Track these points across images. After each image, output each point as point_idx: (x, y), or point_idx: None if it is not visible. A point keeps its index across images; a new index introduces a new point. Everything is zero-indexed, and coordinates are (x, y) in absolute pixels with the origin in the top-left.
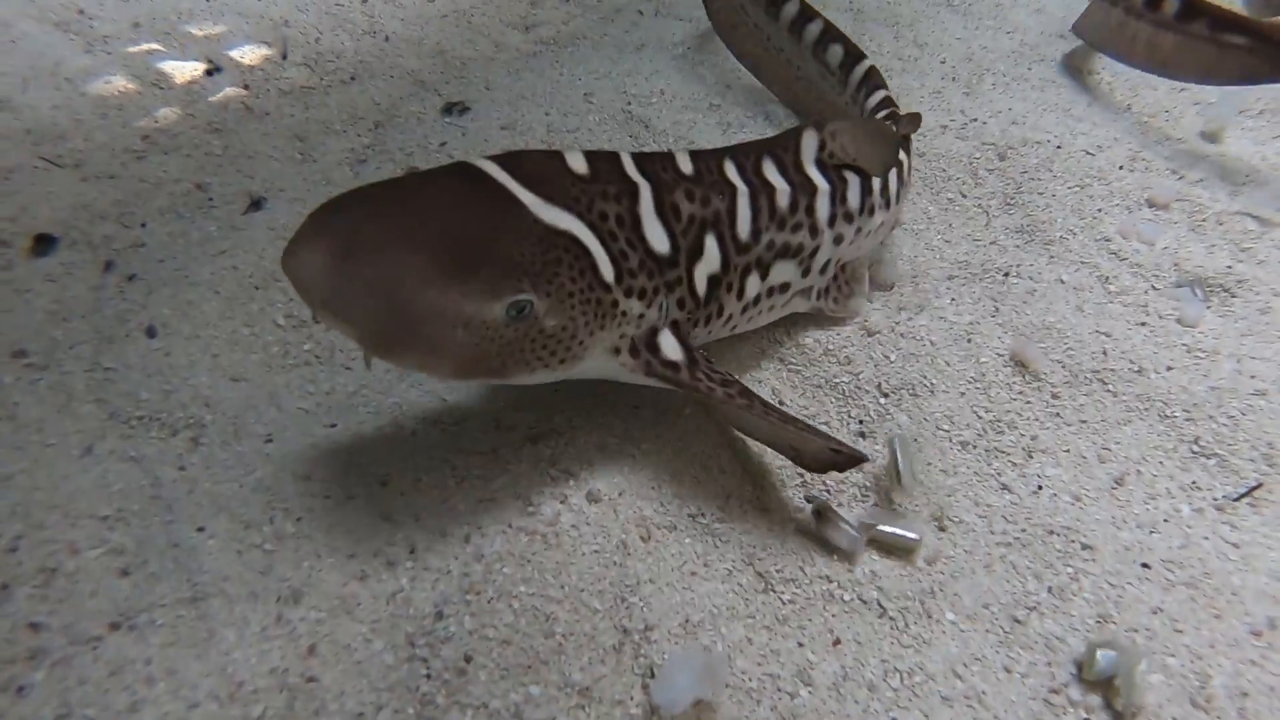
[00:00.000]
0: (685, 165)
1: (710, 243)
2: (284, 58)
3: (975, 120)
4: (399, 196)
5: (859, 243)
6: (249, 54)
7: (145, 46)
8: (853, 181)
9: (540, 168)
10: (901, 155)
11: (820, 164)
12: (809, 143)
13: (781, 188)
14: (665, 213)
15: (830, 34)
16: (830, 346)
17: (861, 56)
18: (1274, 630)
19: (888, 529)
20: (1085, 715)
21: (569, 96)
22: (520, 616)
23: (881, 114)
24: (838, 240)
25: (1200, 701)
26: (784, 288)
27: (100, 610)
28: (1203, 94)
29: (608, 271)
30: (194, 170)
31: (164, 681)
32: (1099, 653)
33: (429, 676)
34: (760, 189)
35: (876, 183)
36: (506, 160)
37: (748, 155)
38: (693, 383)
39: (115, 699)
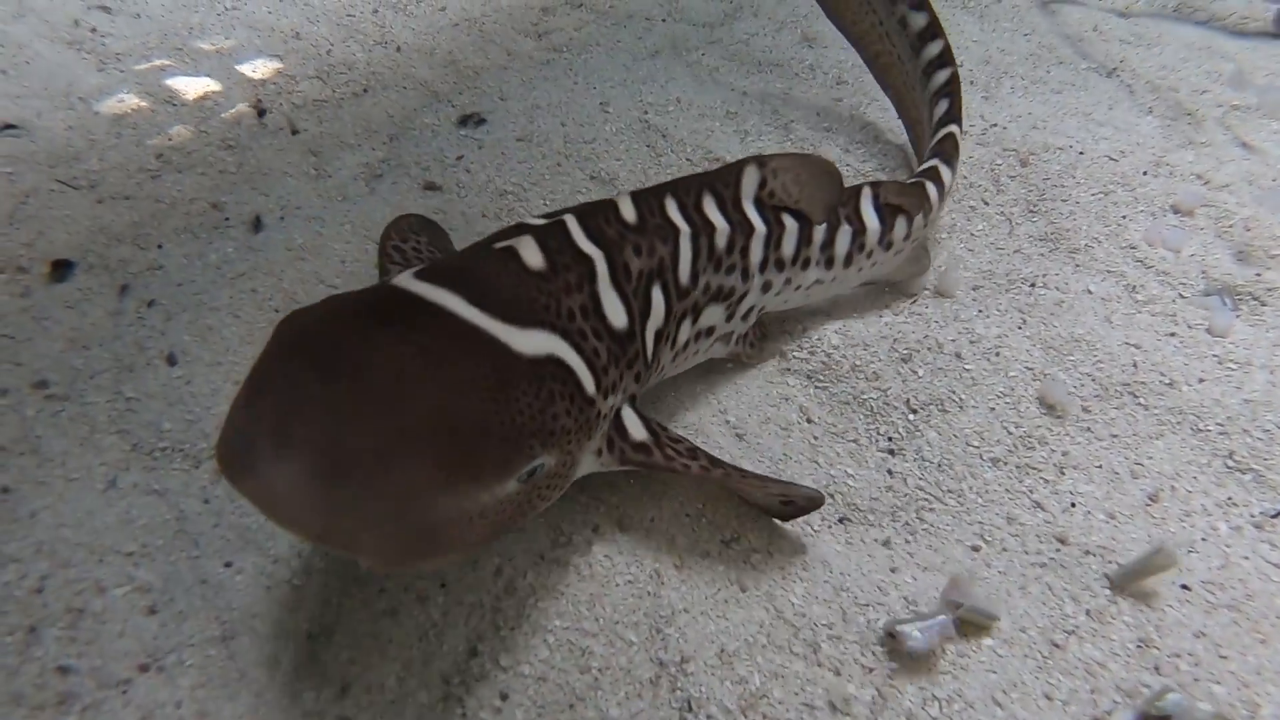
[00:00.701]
0: (629, 212)
1: (657, 295)
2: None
3: (995, 125)
4: (352, 368)
5: (786, 295)
6: (260, 68)
7: (157, 63)
8: (790, 227)
9: (495, 279)
10: (929, 187)
11: (759, 203)
12: (749, 180)
13: (721, 227)
14: (620, 281)
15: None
16: (857, 362)
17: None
18: None
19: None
20: None
21: (584, 106)
22: (555, 651)
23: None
24: (765, 288)
25: None
26: (709, 332)
27: (129, 651)
28: (1227, 97)
29: (589, 383)
30: (209, 189)
31: None
32: (1170, 696)
33: (464, 715)
34: (701, 228)
35: (819, 232)
36: (452, 277)
37: (689, 192)
38: (666, 463)
39: None
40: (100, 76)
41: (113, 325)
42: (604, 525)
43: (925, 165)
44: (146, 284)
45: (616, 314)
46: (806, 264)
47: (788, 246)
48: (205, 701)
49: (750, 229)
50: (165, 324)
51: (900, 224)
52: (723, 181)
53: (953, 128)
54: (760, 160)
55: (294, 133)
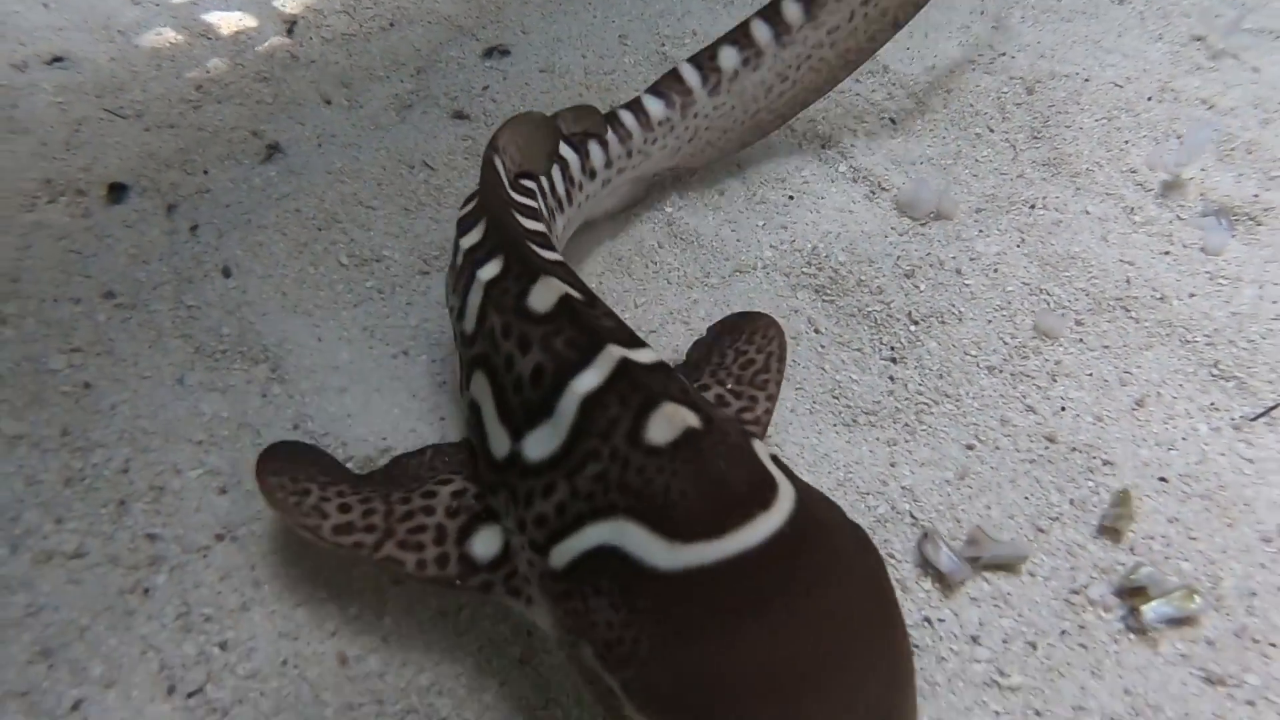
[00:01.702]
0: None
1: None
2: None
3: (1004, 55)
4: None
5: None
6: (290, 3)
7: None
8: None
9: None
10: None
11: (513, 184)
12: (501, 170)
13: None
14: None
15: None
16: (863, 278)
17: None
18: None
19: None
20: (1101, 614)
21: (604, 39)
22: None
23: None
24: None
25: (1212, 601)
26: None
27: (205, 523)
28: (1239, 21)
29: None
30: (248, 119)
31: (268, 585)
32: (1143, 570)
33: None
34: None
35: (546, 181)
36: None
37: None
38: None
39: (227, 599)
40: (136, 10)
41: (169, 242)
42: None
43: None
44: (196, 206)
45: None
46: (553, 215)
47: (542, 209)
48: (276, 565)
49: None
50: (218, 241)
51: (595, 149)
52: (498, 192)
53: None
54: (492, 146)
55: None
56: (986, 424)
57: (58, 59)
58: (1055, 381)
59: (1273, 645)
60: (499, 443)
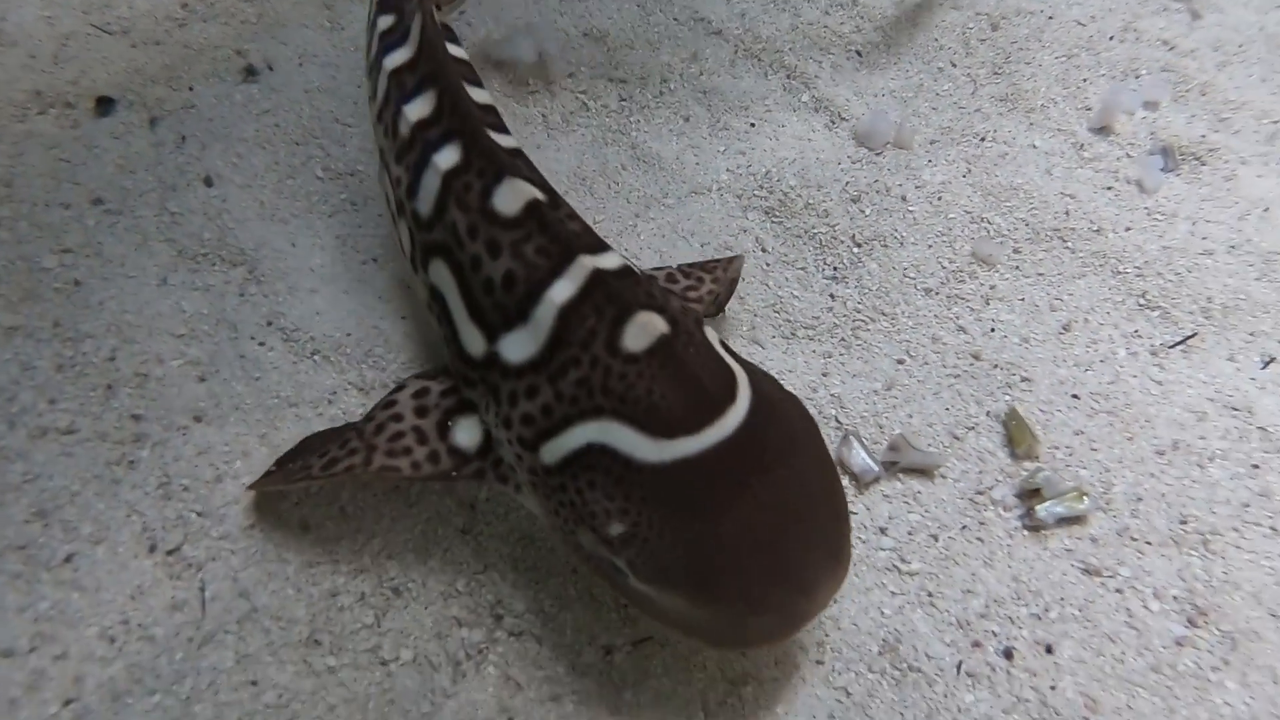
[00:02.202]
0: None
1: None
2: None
3: None
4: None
5: None
6: None
7: None
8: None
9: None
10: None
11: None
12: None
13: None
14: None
15: None
16: (811, 201)
17: None
18: (1175, 451)
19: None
20: (1001, 512)
21: None
22: None
23: None
24: None
25: (1102, 504)
26: None
27: (185, 407)
28: None
29: None
30: (233, 37)
31: (240, 459)
32: (1042, 474)
33: None
34: None
35: None
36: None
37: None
38: None
39: (203, 471)
40: None
41: (155, 153)
42: None
43: None
44: (181, 119)
45: None
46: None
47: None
48: (247, 444)
49: None
50: (201, 152)
51: None
52: (445, 58)
53: None
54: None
55: None
56: (918, 341)
57: None
58: (988, 304)
59: (1149, 543)
60: (473, 341)
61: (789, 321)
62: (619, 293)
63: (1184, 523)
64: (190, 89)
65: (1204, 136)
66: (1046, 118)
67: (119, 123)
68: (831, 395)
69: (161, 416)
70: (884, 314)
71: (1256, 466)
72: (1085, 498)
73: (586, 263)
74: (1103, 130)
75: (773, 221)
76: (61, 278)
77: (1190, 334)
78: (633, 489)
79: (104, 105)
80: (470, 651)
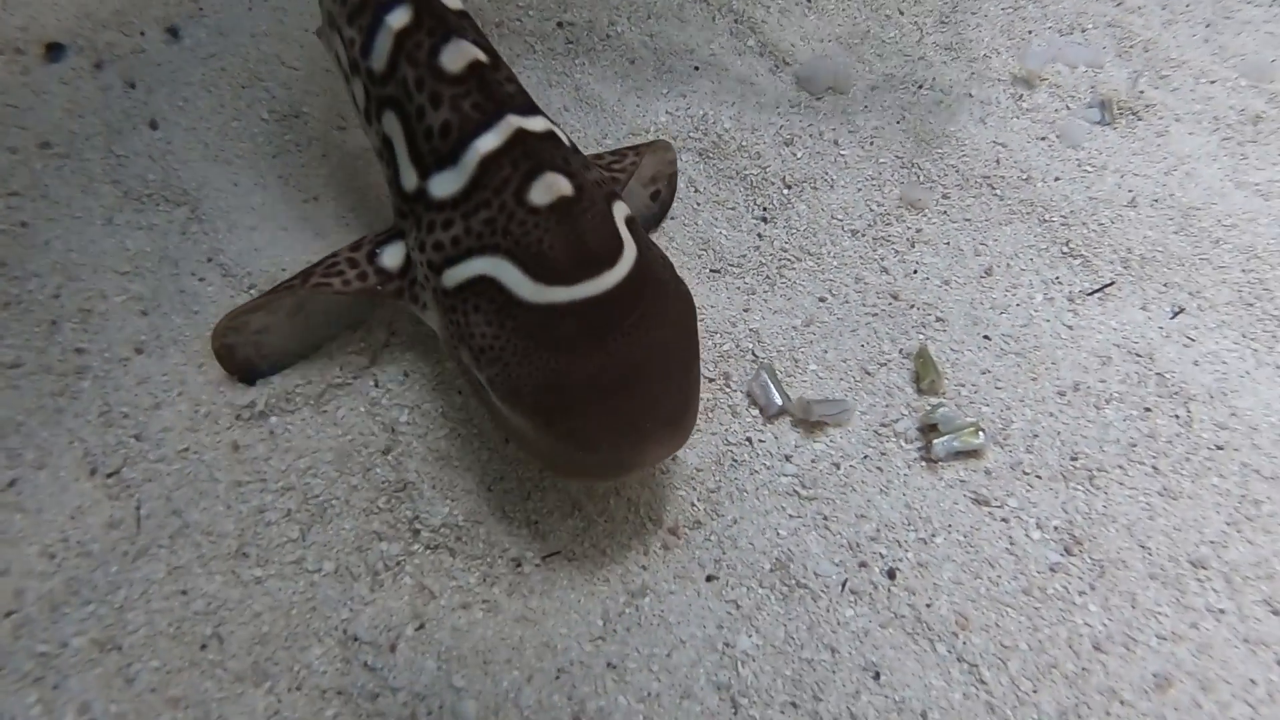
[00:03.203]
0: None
1: None
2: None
3: None
4: (621, 335)
5: None
6: None
7: None
8: None
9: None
10: None
11: None
12: None
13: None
14: None
15: None
16: (744, 143)
17: None
18: (1076, 392)
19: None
20: (902, 444)
21: None
22: None
23: None
24: None
25: (999, 439)
26: None
27: (127, 339)
28: None
29: None
30: None
31: (177, 388)
32: (940, 410)
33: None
34: None
35: None
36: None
37: None
38: None
39: (142, 399)
40: None
41: (103, 98)
42: None
43: None
44: (130, 64)
45: None
46: None
47: None
48: (185, 374)
49: None
50: (147, 96)
51: None
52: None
53: None
54: None
55: None
56: (841, 281)
57: None
58: (913, 248)
59: (1039, 478)
60: (409, 178)
61: (716, 258)
62: (536, 151)
63: (1074, 459)
64: (141, 34)
65: (1142, 93)
66: (988, 67)
67: (68, 68)
68: (750, 330)
69: (104, 349)
70: (810, 254)
71: (1149, 409)
72: (980, 433)
73: (513, 121)
74: (1042, 81)
75: (705, 162)
76: (8, 219)
77: (1108, 282)
78: (506, 319)
79: (54, 51)
80: (388, 563)
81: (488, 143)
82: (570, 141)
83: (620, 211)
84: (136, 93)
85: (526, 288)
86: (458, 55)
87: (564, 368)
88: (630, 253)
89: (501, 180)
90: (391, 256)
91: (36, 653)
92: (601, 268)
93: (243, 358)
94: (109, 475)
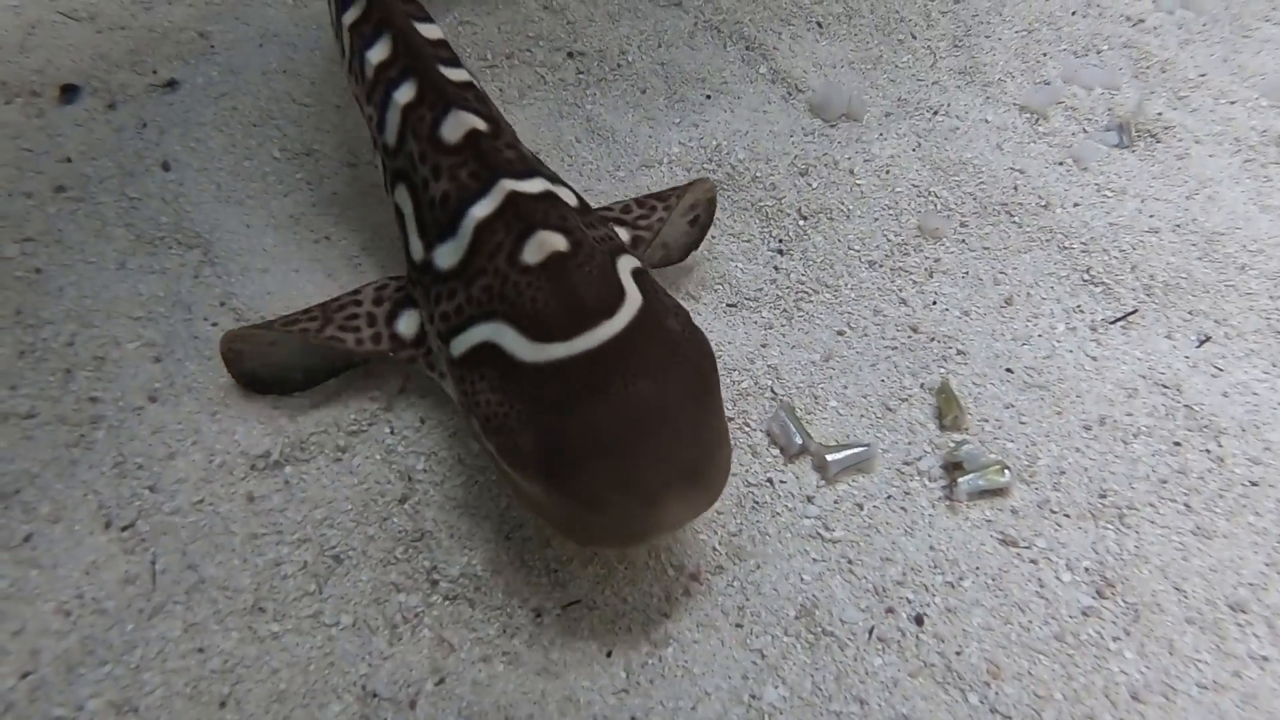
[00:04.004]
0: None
1: None
2: None
3: None
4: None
5: None
6: None
7: None
8: None
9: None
10: None
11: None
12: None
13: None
14: None
15: None
16: (758, 174)
17: None
18: (1102, 426)
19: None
20: (926, 483)
21: None
22: None
23: None
24: None
25: (1025, 477)
26: None
27: (141, 387)
28: None
29: None
30: (197, 19)
31: (191, 437)
32: (965, 447)
33: None
34: None
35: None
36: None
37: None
38: None
39: (156, 450)
40: None
41: (116, 139)
42: None
43: None
44: (143, 104)
45: None
46: None
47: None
48: (199, 422)
49: None
50: (160, 137)
51: None
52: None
53: None
54: None
55: None
56: (859, 313)
57: None
58: (931, 277)
59: (1067, 516)
60: (416, 249)
61: (733, 292)
62: (528, 213)
63: (1103, 496)
64: (155, 72)
65: (1160, 114)
66: (1003, 92)
67: (82, 109)
68: (769, 366)
69: (118, 398)
70: (827, 286)
71: (1178, 444)
72: (1006, 471)
73: (506, 185)
74: (1061, 103)
75: (720, 194)
76: (23, 265)
77: (1131, 310)
78: (508, 384)
79: (68, 93)
80: (407, 615)
81: (482, 209)
82: (580, 199)
83: (626, 264)
84: (148, 133)
85: (525, 349)
86: (456, 126)
87: (564, 425)
88: (633, 303)
89: (495, 245)
90: (407, 324)
91: (53, 716)
92: (598, 319)
93: (249, 367)
94: (124, 528)
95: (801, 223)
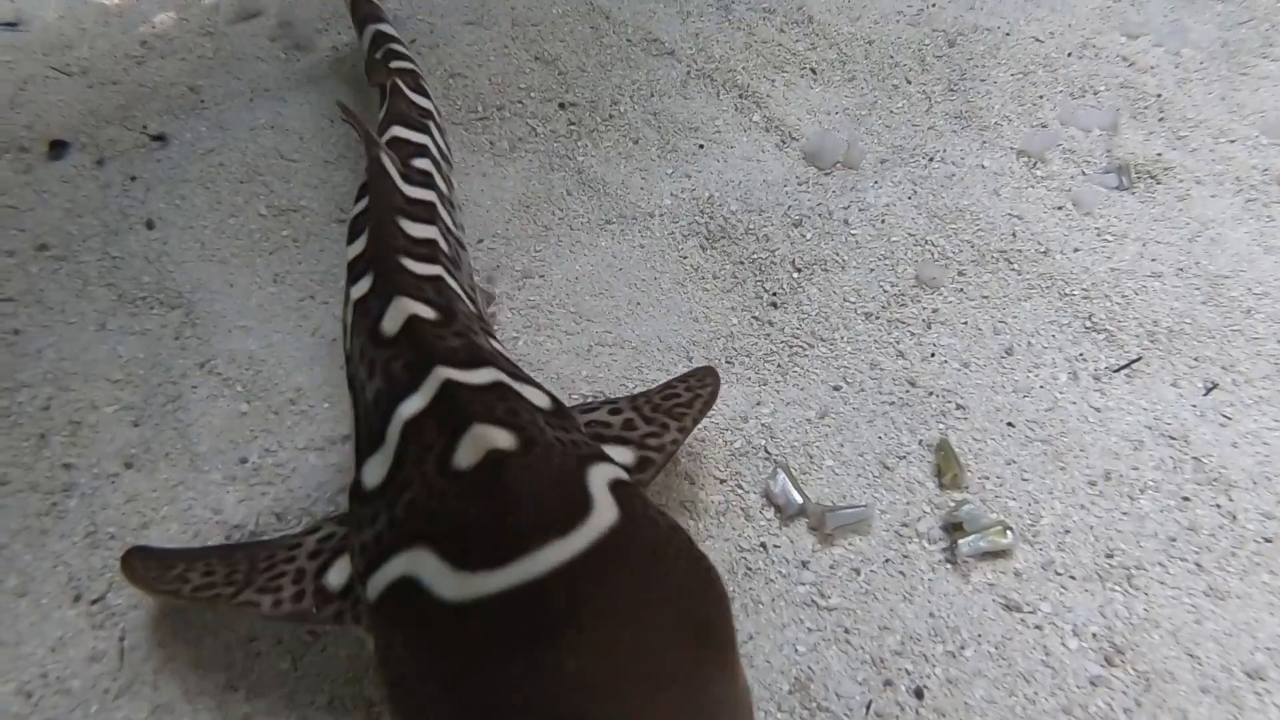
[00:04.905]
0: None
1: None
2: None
3: (932, 5)
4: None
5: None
6: None
7: None
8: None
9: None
10: None
11: (406, 177)
12: (391, 166)
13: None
14: None
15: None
16: (751, 226)
17: None
18: (1107, 482)
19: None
20: (925, 545)
21: None
22: None
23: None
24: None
25: (1028, 537)
26: None
27: (117, 453)
28: None
29: None
30: (188, 73)
31: (166, 507)
32: (965, 507)
33: None
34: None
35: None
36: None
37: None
38: None
39: (130, 519)
40: None
41: (102, 196)
42: None
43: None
44: (131, 160)
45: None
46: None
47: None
48: (174, 492)
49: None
50: (145, 194)
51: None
52: (389, 198)
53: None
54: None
55: None
56: (856, 367)
57: (9, 24)
58: (930, 329)
59: (1073, 578)
60: (355, 471)
61: (727, 349)
62: (464, 405)
63: (1110, 556)
64: (144, 128)
65: (1159, 155)
66: (1000, 136)
67: (70, 166)
68: (762, 425)
69: (93, 464)
70: (822, 340)
71: (1187, 499)
72: (1008, 532)
73: (441, 374)
74: (1059, 146)
75: (713, 247)
76: (2, 326)
77: (1135, 358)
78: (423, 633)
79: (57, 149)
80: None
81: (411, 406)
82: (556, 402)
83: (602, 474)
84: (135, 189)
85: (445, 581)
86: (397, 315)
87: (485, 694)
88: (602, 519)
89: (424, 448)
90: (338, 574)
91: None
92: (545, 538)
93: (146, 579)
94: (93, 602)
95: (795, 275)
